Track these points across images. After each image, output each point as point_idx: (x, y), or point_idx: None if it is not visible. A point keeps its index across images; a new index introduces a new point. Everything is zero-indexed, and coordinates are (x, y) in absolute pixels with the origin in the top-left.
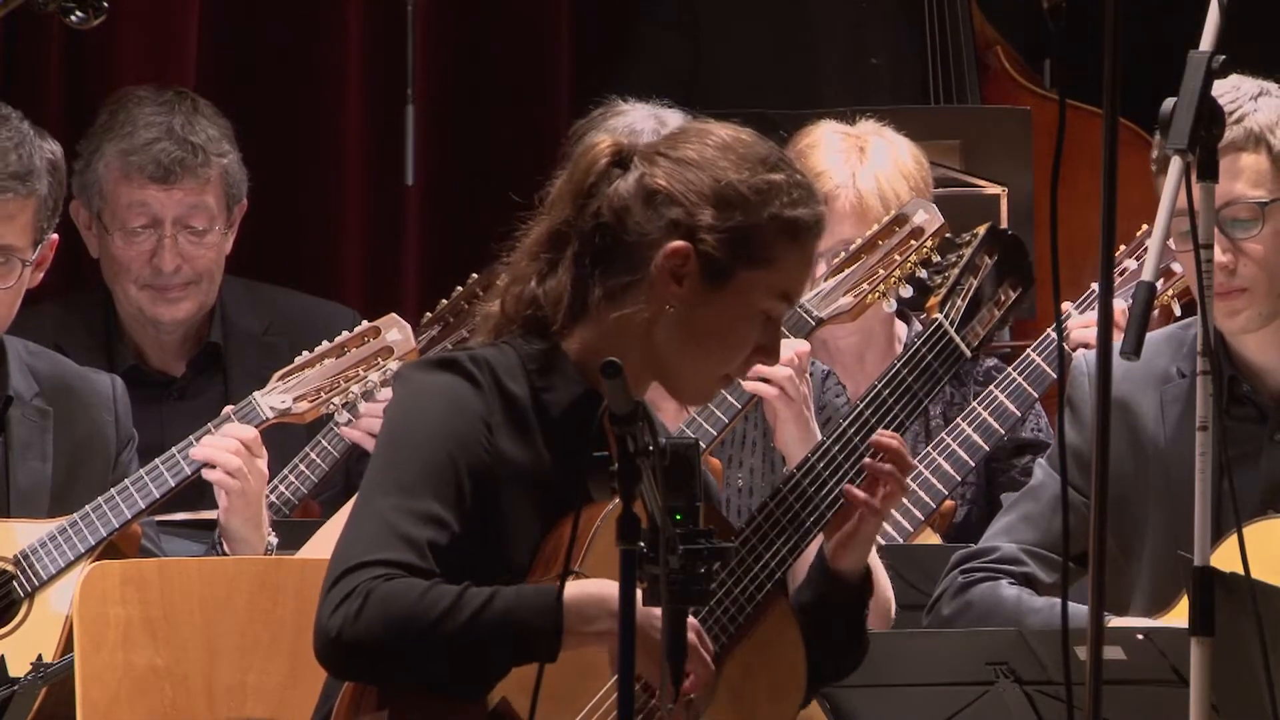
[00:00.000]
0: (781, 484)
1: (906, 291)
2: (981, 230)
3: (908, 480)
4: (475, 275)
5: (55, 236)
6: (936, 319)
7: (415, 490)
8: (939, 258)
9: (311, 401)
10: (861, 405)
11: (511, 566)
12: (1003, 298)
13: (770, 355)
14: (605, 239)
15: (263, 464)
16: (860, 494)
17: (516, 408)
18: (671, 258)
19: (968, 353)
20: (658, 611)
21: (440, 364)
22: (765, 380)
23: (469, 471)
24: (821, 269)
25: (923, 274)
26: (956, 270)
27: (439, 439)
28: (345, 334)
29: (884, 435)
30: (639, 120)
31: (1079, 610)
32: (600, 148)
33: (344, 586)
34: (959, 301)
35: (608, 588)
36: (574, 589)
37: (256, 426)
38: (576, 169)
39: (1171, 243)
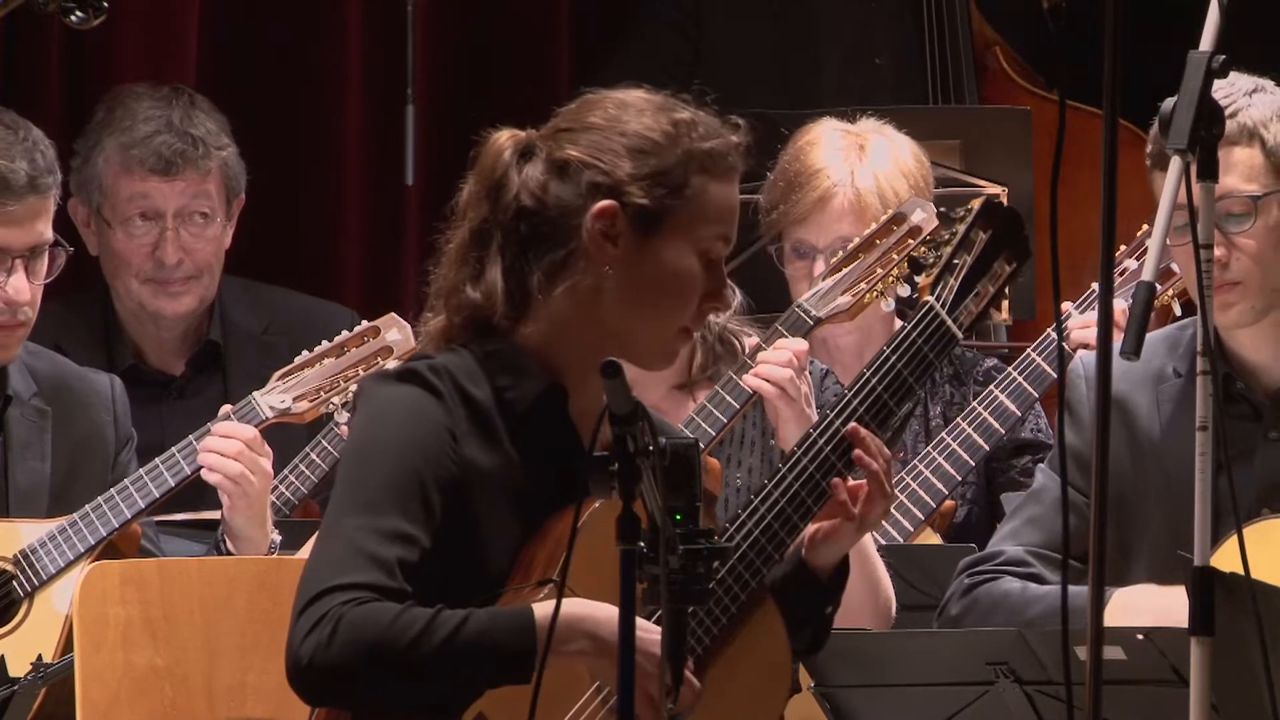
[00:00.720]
0: (768, 479)
1: (904, 291)
2: (976, 205)
3: (893, 490)
4: None
5: None
6: (927, 301)
7: (381, 508)
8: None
9: (311, 401)
10: (849, 395)
11: (490, 574)
12: (998, 272)
13: (719, 300)
14: (529, 223)
15: (267, 462)
16: (844, 491)
17: (481, 412)
18: (600, 218)
19: (959, 334)
20: (647, 635)
21: (400, 376)
22: (766, 380)
23: (436, 484)
24: (819, 267)
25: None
26: (949, 248)
27: (403, 454)
28: (345, 333)
29: (856, 425)
30: None
31: (1080, 592)
32: (500, 141)
33: (314, 612)
34: (951, 281)
35: (584, 607)
36: (549, 609)
37: (256, 426)
38: (482, 167)
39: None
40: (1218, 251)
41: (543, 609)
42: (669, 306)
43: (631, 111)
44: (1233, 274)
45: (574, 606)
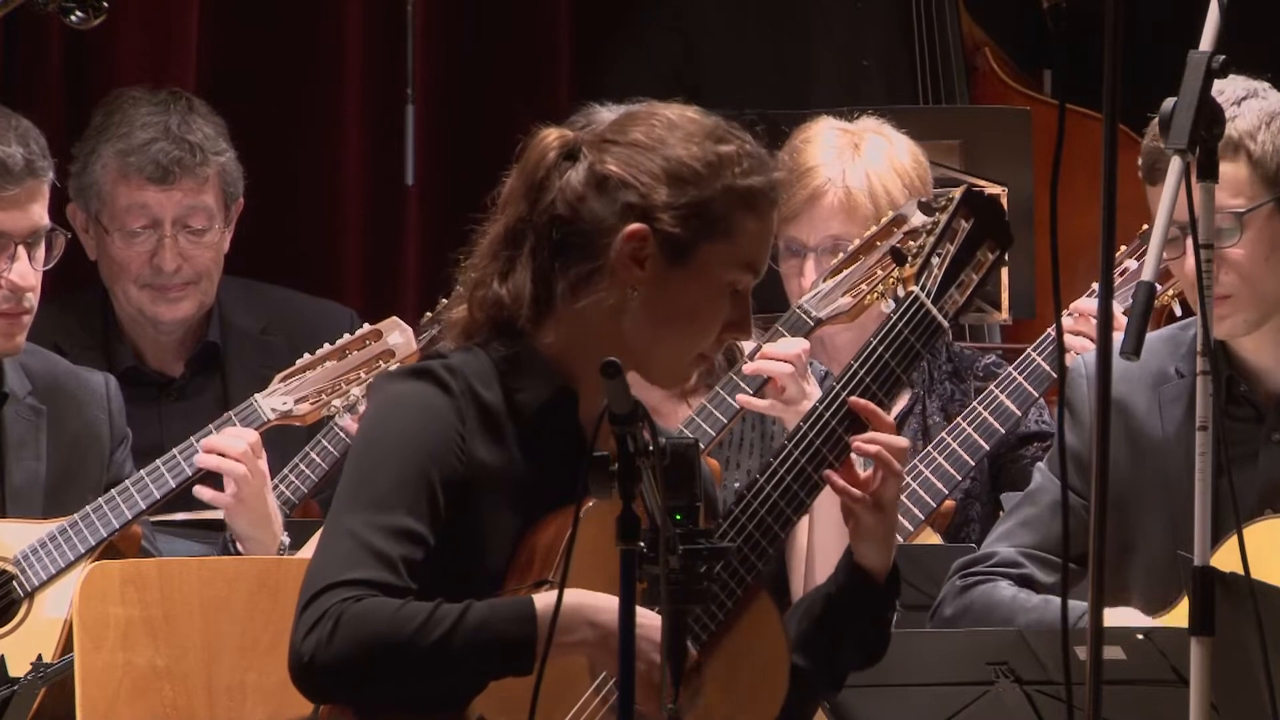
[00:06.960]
0: (759, 473)
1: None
2: (956, 194)
3: (900, 464)
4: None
5: None
6: (912, 291)
7: (387, 505)
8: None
9: (313, 403)
10: (838, 386)
11: (490, 574)
12: (982, 260)
13: (742, 330)
14: (562, 231)
15: (263, 464)
16: (840, 481)
17: (490, 414)
18: (630, 241)
19: (945, 324)
20: (648, 622)
21: (414, 373)
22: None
23: (442, 482)
24: (810, 265)
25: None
26: (932, 238)
27: (410, 450)
28: (347, 336)
29: (858, 400)
30: None
31: (1076, 606)
32: (548, 141)
33: (315, 610)
34: (935, 271)
35: (584, 596)
36: (549, 599)
37: (257, 428)
38: (526, 165)
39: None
40: None
41: (543, 599)
42: (689, 333)
43: (678, 135)
44: (1222, 288)
45: (574, 596)
